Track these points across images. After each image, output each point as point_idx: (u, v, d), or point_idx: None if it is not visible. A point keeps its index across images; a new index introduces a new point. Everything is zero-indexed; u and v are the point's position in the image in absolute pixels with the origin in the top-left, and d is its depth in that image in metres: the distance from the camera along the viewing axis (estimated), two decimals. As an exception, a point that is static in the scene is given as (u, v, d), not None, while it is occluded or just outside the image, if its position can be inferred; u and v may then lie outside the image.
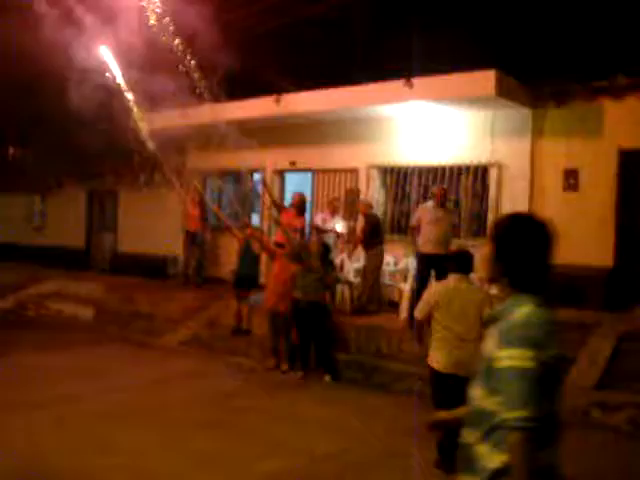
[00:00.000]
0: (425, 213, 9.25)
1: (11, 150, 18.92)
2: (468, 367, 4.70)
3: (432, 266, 8.98)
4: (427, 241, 9.09)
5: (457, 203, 10.91)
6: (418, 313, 5.85)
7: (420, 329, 5.94)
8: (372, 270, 10.25)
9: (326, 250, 9.30)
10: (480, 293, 5.68)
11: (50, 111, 13.66)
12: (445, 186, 10.02)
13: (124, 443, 6.17)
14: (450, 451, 4.19)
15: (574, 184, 9.99)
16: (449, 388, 5.27)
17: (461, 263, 5.77)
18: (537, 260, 2.47)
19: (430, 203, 9.39)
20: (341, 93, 11.08)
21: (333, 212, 11.16)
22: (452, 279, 5.75)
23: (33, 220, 19.38)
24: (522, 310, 2.37)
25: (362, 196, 11.56)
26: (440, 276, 8.82)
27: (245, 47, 11.16)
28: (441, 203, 9.26)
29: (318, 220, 11.09)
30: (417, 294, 8.61)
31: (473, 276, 5.85)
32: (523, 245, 2.47)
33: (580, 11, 9.91)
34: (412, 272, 9.99)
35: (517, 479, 2.18)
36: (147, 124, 13.33)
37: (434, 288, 6.14)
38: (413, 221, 9.43)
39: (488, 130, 10.68)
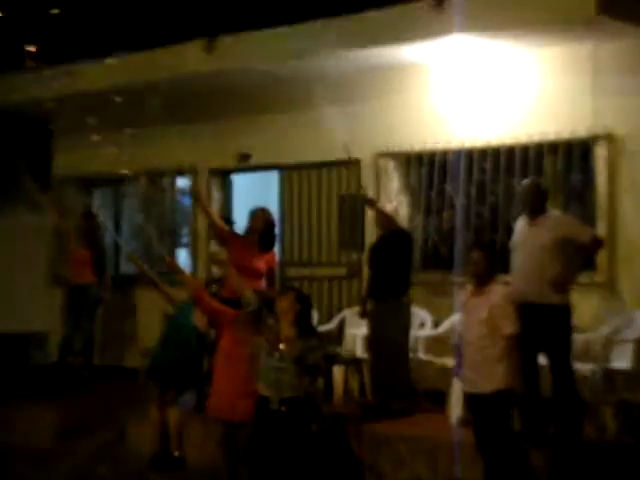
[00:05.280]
0: (516, 233, 6.93)
1: None
2: None
3: (528, 322, 5.99)
4: (515, 281, 6.46)
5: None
6: None
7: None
8: (394, 337, 7.28)
9: (305, 308, 6.20)
10: None
11: None
12: (537, 179, 7.21)
13: None
14: None
15: None
16: None
17: None
18: None
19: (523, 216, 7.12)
20: (319, 28, 7.97)
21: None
22: None
23: None
24: None
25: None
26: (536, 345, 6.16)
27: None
28: (533, 210, 6.65)
29: None
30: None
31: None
32: None
33: None
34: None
35: None
36: None
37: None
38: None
39: (587, 79, 7.52)
